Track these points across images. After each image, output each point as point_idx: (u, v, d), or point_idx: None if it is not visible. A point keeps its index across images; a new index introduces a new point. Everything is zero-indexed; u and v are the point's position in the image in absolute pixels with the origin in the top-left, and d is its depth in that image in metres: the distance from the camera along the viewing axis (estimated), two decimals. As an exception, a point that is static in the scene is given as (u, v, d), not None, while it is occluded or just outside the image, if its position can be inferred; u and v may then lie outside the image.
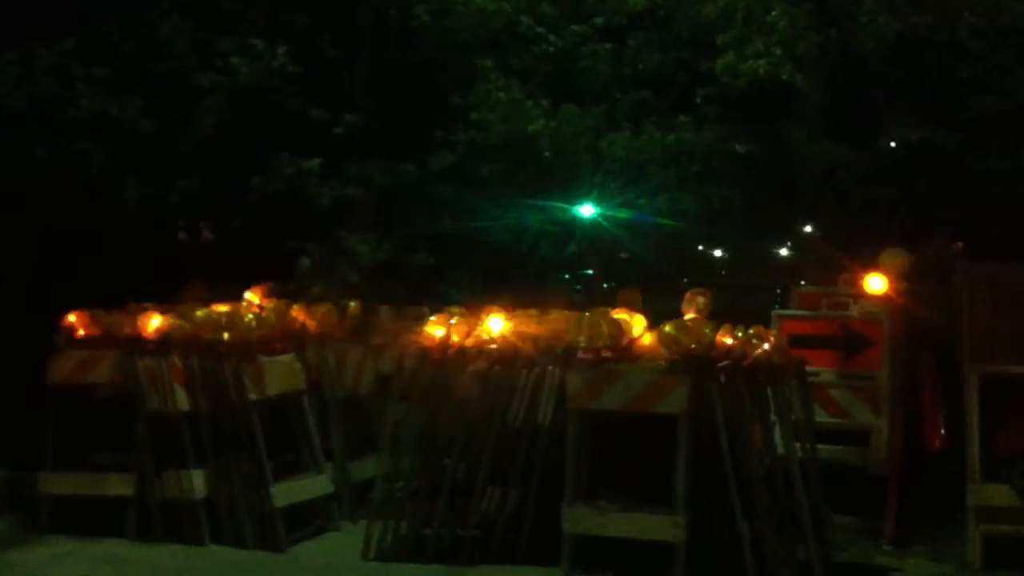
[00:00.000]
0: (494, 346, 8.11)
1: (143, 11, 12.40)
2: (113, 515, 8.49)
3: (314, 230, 13.10)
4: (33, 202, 12.51)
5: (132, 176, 12.13)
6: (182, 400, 8.43)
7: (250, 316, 8.88)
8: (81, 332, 8.94)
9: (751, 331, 7.70)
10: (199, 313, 8.79)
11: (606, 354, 7.67)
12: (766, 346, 7.58)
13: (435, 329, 8.36)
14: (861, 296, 9.06)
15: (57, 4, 11.93)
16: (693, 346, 7.44)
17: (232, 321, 8.68)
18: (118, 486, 8.53)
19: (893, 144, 14.03)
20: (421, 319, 9.08)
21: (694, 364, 7.38)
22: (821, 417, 8.38)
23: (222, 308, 9.00)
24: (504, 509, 7.88)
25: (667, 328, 7.59)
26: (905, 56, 13.23)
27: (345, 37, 13.62)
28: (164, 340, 8.55)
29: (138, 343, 8.59)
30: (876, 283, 8.95)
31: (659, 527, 7.26)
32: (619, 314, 8.12)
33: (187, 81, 12.36)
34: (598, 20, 13.90)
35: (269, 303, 9.59)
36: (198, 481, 8.36)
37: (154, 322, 8.66)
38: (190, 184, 12.58)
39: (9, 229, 12.90)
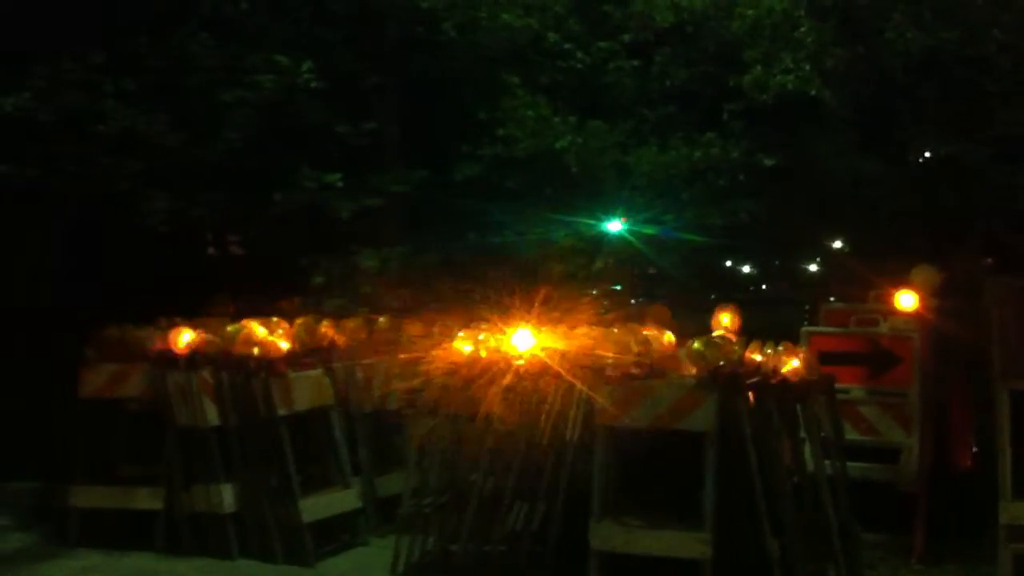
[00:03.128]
0: (521, 361, 8.11)
1: (172, 27, 12.49)
2: (142, 528, 8.54)
3: (333, 243, 13.14)
4: (61, 215, 12.61)
5: (159, 190, 12.22)
6: (211, 414, 8.47)
7: (279, 331, 8.91)
8: (111, 346, 9.00)
9: (780, 348, 7.68)
10: (229, 328, 8.85)
11: (634, 370, 7.65)
12: (795, 363, 7.56)
13: (462, 344, 8.38)
14: (891, 313, 9.01)
15: (86, 19, 12.03)
16: (721, 363, 7.41)
17: (261, 336, 8.73)
18: (147, 499, 8.59)
19: (921, 159, 13.99)
20: (449, 334, 9.09)
21: (722, 381, 7.34)
22: (851, 434, 8.34)
23: (252, 323, 9.06)
24: (531, 525, 7.87)
25: (695, 344, 7.57)
26: (933, 71, 13.20)
27: (371, 52, 13.68)
28: (194, 355, 8.59)
29: (168, 358, 8.65)
30: (907, 300, 8.90)
31: (686, 544, 7.23)
32: (647, 330, 8.11)
33: (213, 96, 12.45)
34: (625, 36, 13.92)
35: (297, 317, 9.64)
36: (227, 495, 8.40)
37: (184, 337, 8.72)
38: (215, 198, 12.66)
39: (37, 242, 13.00)
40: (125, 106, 11.92)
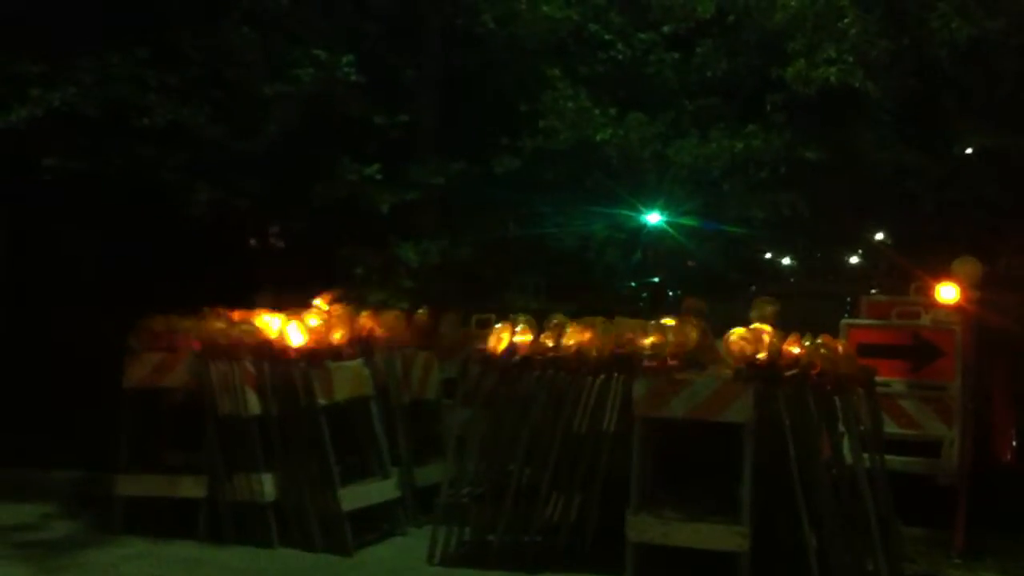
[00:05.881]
0: (559, 352, 8.13)
1: (214, 21, 12.61)
2: (185, 516, 8.63)
3: (374, 235, 13.23)
4: (107, 206, 12.79)
5: (202, 181, 12.36)
6: (253, 404, 8.55)
7: (319, 322, 8.97)
8: (155, 336, 9.10)
9: (819, 340, 7.64)
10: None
11: (672, 362, 7.65)
12: (834, 355, 7.51)
13: (501, 335, 8.40)
14: (932, 305, 8.93)
15: (131, 14, 12.18)
16: (760, 355, 7.39)
17: (302, 327, 8.80)
18: (190, 488, 8.67)
19: (965, 151, 13.84)
20: (487, 325, 9.13)
21: (760, 373, 7.33)
22: (891, 427, 8.26)
23: (292, 313, 9.14)
24: (568, 516, 7.90)
25: (733, 336, 7.55)
26: (978, 61, 13.04)
27: (412, 44, 13.73)
28: (236, 345, 8.68)
29: (211, 347, 8.74)
30: (948, 292, 8.80)
31: (723, 537, 7.23)
32: (684, 321, 8.10)
33: (255, 89, 12.55)
34: (666, 27, 13.86)
35: (336, 309, 9.70)
36: (268, 484, 8.47)
37: (226, 327, 8.82)
38: (256, 189, 12.78)
39: (83, 233, 13.20)
40: (169, 99, 12.07)
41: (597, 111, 13.26)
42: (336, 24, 13.20)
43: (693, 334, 7.98)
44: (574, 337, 8.14)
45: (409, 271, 12.81)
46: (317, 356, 8.61)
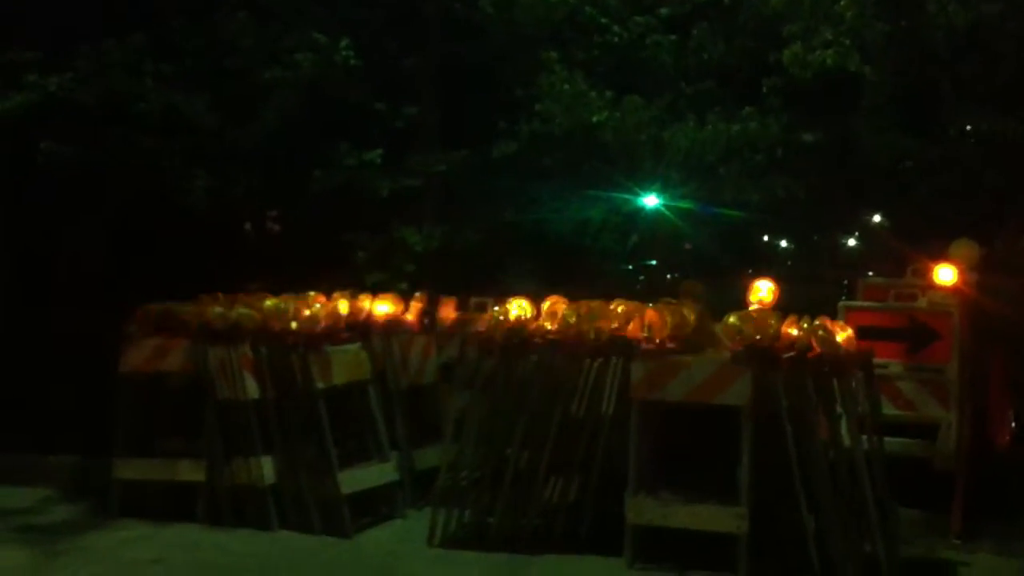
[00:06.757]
0: (557, 336, 8.13)
1: (210, 8, 12.57)
2: (183, 500, 8.66)
3: (373, 221, 13.22)
4: (105, 194, 12.77)
5: (199, 170, 12.34)
6: (251, 388, 8.56)
7: (317, 306, 8.97)
8: (153, 321, 9.09)
9: (816, 322, 7.65)
10: (268, 303, 8.92)
11: (669, 345, 7.66)
12: (832, 337, 7.52)
13: (498, 319, 8.40)
14: (929, 287, 8.93)
15: (129, 1, 12.16)
16: (757, 337, 7.40)
17: (299, 311, 8.79)
18: (188, 472, 8.70)
19: (962, 134, 13.82)
20: (484, 309, 9.13)
21: (758, 355, 7.34)
22: (888, 409, 8.26)
23: (290, 298, 9.13)
24: (566, 499, 7.92)
25: (731, 319, 7.56)
26: (976, 45, 13.01)
27: (410, 30, 13.70)
28: (234, 329, 8.67)
29: (208, 332, 8.73)
30: (945, 274, 8.80)
31: (722, 519, 7.25)
32: (682, 305, 8.11)
33: (252, 76, 12.52)
34: (662, 10, 13.81)
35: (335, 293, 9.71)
36: (266, 468, 8.50)
37: (224, 312, 8.81)
38: (254, 177, 12.76)
39: (82, 221, 13.18)
40: (166, 87, 12.05)
41: (593, 94, 13.23)
42: (335, 12, 13.17)
43: (691, 317, 7.99)
44: (570, 320, 8.13)
45: (410, 254, 12.82)
46: (315, 340, 8.61)
